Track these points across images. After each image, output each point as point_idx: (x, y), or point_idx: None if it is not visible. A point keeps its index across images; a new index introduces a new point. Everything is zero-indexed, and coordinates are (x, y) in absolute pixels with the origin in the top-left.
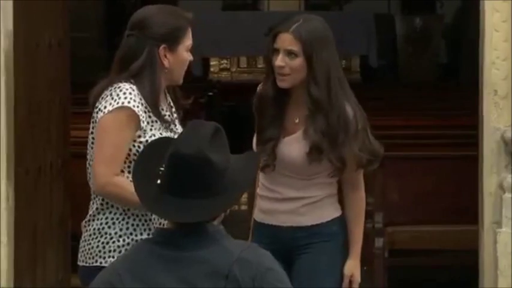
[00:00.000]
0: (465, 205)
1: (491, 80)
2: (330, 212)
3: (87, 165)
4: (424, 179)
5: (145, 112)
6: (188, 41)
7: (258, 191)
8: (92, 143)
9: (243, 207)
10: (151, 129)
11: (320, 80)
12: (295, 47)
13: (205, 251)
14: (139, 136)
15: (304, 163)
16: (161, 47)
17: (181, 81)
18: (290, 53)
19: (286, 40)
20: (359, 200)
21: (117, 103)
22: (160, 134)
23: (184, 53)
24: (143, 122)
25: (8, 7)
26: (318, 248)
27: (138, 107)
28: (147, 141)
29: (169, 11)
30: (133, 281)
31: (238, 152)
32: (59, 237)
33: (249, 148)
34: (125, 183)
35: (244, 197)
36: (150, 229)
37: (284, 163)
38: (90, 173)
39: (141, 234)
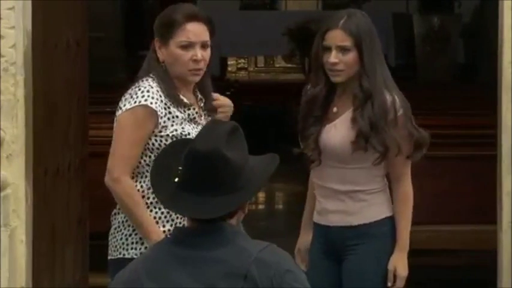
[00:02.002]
0: (483, 205)
1: (509, 80)
2: (379, 211)
3: None
4: (442, 179)
5: (165, 108)
6: (181, 37)
7: (314, 191)
8: None
9: (261, 207)
10: (172, 125)
11: (370, 71)
12: (347, 42)
13: (223, 250)
14: (161, 131)
15: (346, 148)
16: (155, 40)
17: (188, 78)
18: (342, 49)
19: (337, 36)
20: (403, 193)
21: (135, 102)
22: (182, 128)
23: (176, 49)
24: (161, 117)
25: (27, 7)
26: (366, 250)
27: (156, 103)
28: (167, 135)
29: (174, 7)
30: (151, 281)
31: (256, 150)
32: (77, 237)
33: (266, 146)
34: (133, 189)
35: (262, 196)
36: (172, 220)
37: (326, 152)
38: None
39: (164, 226)
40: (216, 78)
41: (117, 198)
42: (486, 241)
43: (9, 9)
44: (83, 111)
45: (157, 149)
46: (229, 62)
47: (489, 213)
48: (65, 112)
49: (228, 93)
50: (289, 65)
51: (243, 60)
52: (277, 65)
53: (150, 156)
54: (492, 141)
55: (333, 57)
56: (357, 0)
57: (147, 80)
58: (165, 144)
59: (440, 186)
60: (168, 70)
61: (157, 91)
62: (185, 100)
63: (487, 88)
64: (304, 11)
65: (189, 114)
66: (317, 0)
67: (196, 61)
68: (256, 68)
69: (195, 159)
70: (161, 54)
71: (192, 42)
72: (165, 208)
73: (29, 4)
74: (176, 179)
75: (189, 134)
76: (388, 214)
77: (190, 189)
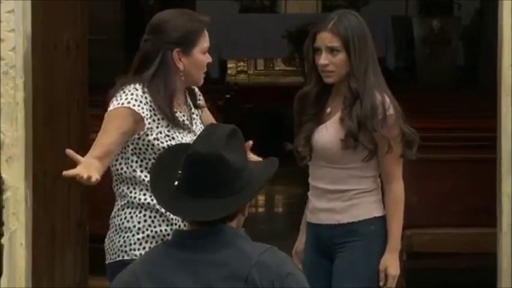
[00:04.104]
0: (484, 207)
1: (509, 82)
2: (368, 210)
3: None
4: (443, 182)
5: (150, 111)
6: (204, 43)
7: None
8: None
9: (261, 210)
10: (157, 127)
11: (359, 72)
12: (336, 43)
13: (223, 253)
14: (147, 135)
15: (335, 148)
16: (175, 51)
17: (201, 82)
18: (332, 50)
19: (326, 38)
20: (393, 193)
21: (118, 104)
22: (168, 131)
23: (200, 55)
24: (147, 119)
25: (26, 9)
26: (354, 248)
27: (139, 105)
28: (154, 138)
29: (184, 15)
30: (151, 283)
31: (255, 153)
32: (77, 239)
33: (266, 149)
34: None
35: (262, 199)
36: (168, 220)
37: (317, 151)
38: (113, 175)
39: (160, 225)
40: (216, 81)
41: None
42: (487, 244)
43: (9, 12)
44: (83, 113)
45: (144, 153)
46: (229, 65)
47: (490, 216)
48: (65, 114)
49: (227, 96)
50: (289, 68)
51: (242, 63)
52: (277, 68)
53: (136, 162)
54: (492, 143)
55: (323, 58)
56: (356, 3)
57: (136, 84)
58: (151, 148)
59: (440, 189)
60: (184, 79)
61: (143, 93)
62: (178, 114)
63: (487, 90)
64: (304, 14)
65: (181, 120)
66: (317, 1)
67: (208, 64)
68: (256, 71)
69: (195, 161)
70: (181, 64)
71: (208, 46)
72: (165, 210)
73: (29, 6)
74: (176, 182)
75: (173, 138)
76: (378, 214)
77: (190, 192)
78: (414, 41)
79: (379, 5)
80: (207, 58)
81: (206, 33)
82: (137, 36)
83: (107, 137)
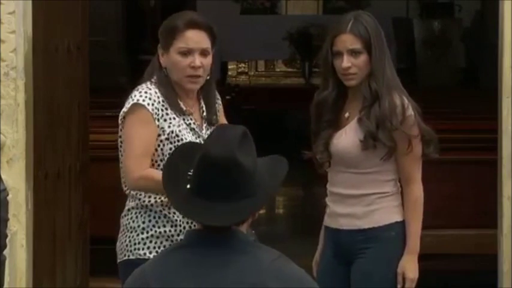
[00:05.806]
0: (486, 209)
1: (509, 84)
2: (388, 215)
3: (120, 166)
4: (445, 183)
5: (162, 110)
6: (180, 43)
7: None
8: (121, 146)
9: (261, 211)
10: (169, 126)
11: (378, 71)
12: (358, 45)
13: (234, 258)
14: (159, 135)
15: (354, 151)
16: (158, 47)
17: (186, 85)
18: (353, 52)
19: (347, 40)
20: (413, 196)
21: (130, 102)
22: (179, 131)
23: (175, 55)
24: (157, 119)
25: (27, 10)
26: (374, 254)
27: (151, 104)
28: (166, 138)
29: (177, 14)
30: (159, 285)
31: (258, 155)
32: (78, 241)
33: (267, 151)
34: (153, 174)
35: None
36: (172, 221)
37: (336, 156)
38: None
39: (164, 226)
40: (217, 83)
41: (149, 190)
42: (489, 246)
43: (10, 13)
44: (83, 115)
45: (153, 154)
46: (229, 67)
47: (492, 218)
48: (66, 116)
49: (228, 97)
50: (290, 69)
51: (243, 65)
52: (278, 69)
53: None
54: (494, 145)
55: (346, 61)
56: (357, 5)
57: (145, 83)
58: (161, 149)
59: (443, 191)
60: (169, 76)
61: (156, 93)
62: (184, 107)
63: (488, 92)
64: (305, 15)
65: (187, 123)
66: (318, 1)
67: (194, 68)
68: (256, 72)
69: (210, 165)
70: (163, 60)
71: (191, 48)
72: (168, 212)
73: (30, 8)
74: (188, 185)
75: (186, 139)
76: (398, 219)
77: (203, 195)
78: (415, 42)
79: (380, 6)
80: (185, 61)
81: (188, 35)
82: (138, 38)
83: (145, 143)
